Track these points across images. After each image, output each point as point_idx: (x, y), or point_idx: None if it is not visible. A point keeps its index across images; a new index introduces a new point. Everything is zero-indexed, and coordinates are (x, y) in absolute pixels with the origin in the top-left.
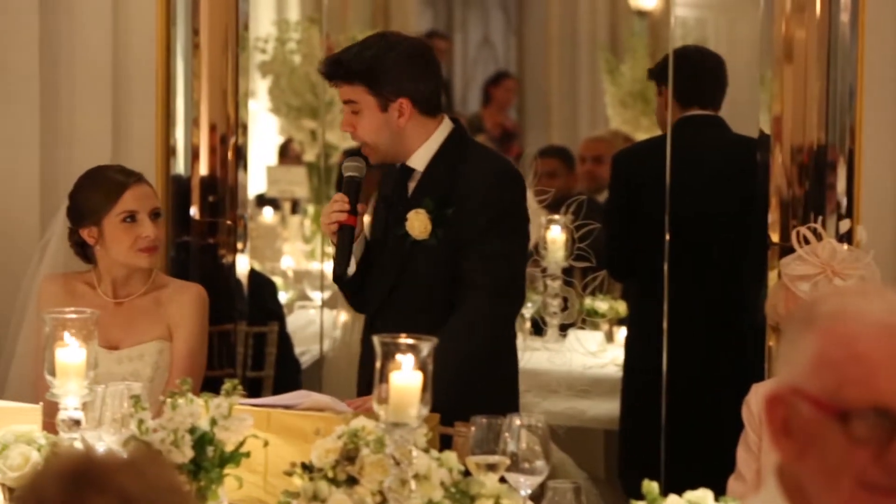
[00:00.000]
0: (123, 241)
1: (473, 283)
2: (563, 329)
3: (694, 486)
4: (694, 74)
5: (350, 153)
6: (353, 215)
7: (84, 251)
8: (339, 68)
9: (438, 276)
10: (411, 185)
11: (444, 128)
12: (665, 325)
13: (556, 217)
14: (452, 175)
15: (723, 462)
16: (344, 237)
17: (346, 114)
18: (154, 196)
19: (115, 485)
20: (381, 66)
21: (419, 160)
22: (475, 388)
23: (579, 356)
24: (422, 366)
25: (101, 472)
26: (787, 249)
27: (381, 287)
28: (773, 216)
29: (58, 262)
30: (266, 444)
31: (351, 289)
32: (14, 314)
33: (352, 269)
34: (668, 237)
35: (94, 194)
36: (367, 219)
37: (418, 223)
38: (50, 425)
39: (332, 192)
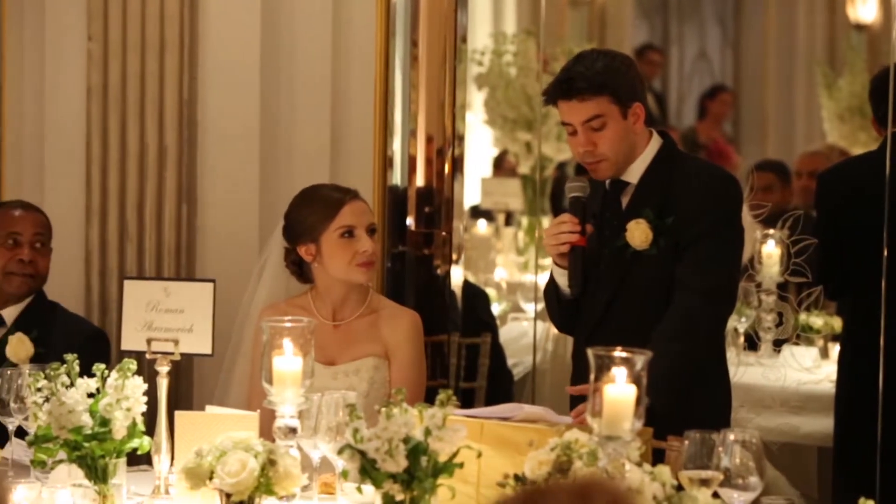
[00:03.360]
0: (341, 256)
1: (687, 284)
2: (778, 344)
3: None
4: None
5: (577, 171)
6: (582, 236)
7: (301, 270)
8: (582, 83)
9: (657, 287)
10: (624, 199)
11: (655, 141)
12: (882, 342)
13: (772, 231)
14: (669, 184)
15: None
16: (577, 258)
17: (584, 133)
18: (370, 212)
19: None
20: (617, 73)
21: (633, 173)
22: (688, 401)
23: (794, 372)
24: (636, 379)
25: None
26: None
27: (597, 302)
28: None
29: (276, 284)
30: (479, 455)
31: (570, 311)
32: (233, 332)
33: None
34: (885, 252)
35: (312, 211)
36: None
37: (639, 233)
38: (267, 432)
39: (547, 205)
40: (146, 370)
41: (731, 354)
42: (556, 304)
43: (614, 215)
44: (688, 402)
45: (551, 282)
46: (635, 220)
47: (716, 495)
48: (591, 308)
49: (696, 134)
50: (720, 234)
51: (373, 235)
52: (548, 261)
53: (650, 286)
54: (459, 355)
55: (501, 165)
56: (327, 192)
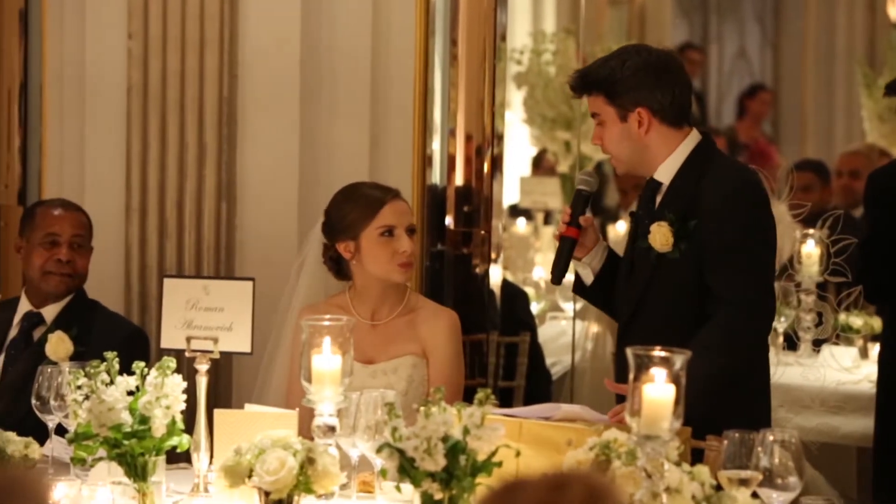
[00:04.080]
0: (381, 255)
1: (725, 297)
2: (817, 344)
3: None
4: None
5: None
6: (575, 227)
7: (339, 267)
8: (580, 80)
9: (684, 290)
10: (658, 199)
11: (691, 140)
12: None
13: (811, 231)
14: (695, 188)
15: None
16: (563, 247)
17: (594, 128)
18: (410, 212)
19: None
20: (617, 76)
21: (665, 173)
22: (728, 402)
23: (833, 372)
24: (675, 379)
25: None
26: None
27: (630, 299)
28: None
29: (314, 282)
30: (518, 454)
31: (591, 299)
32: (273, 330)
33: (588, 279)
34: None
35: (353, 209)
36: (621, 231)
37: (660, 236)
38: (306, 431)
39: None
40: (185, 368)
41: (771, 355)
42: (581, 294)
43: (647, 215)
44: (728, 403)
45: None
46: (658, 222)
47: (755, 495)
48: (626, 303)
49: (735, 133)
50: (750, 245)
51: (412, 236)
52: None
53: (674, 289)
54: (498, 354)
55: (540, 164)
56: (369, 191)
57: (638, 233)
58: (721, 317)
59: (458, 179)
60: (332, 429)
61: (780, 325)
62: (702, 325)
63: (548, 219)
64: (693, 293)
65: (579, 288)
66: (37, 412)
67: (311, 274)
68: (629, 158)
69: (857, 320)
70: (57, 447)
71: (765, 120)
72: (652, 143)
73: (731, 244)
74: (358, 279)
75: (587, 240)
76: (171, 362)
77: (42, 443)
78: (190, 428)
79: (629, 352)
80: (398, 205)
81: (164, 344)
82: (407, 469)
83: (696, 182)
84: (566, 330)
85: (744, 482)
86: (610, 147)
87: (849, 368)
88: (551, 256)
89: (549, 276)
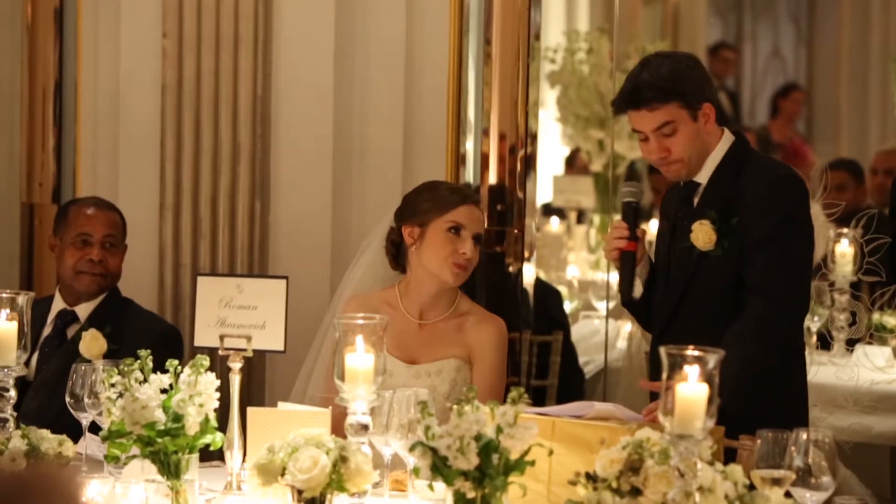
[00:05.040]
0: (441, 249)
1: (758, 289)
2: (851, 344)
3: None
4: None
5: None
6: (633, 241)
7: (397, 253)
8: (649, 92)
9: (724, 288)
10: (696, 200)
11: (726, 140)
12: None
13: (845, 230)
14: (734, 185)
15: None
16: (626, 263)
17: (656, 140)
18: (481, 222)
19: None
20: (684, 77)
21: (703, 174)
22: (765, 399)
23: (866, 371)
24: (708, 378)
25: None
26: None
27: (667, 303)
28: None
29: (370, 271)
30: (551, 452)
31: (638, 312)
32: (324, 321)
33: (638, 291)
34: None
35: (431, 198)
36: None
37: (703, 234)
38: (339, 429)
39: (619, 204)
40: (219, 366)
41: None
42: (627, 306)
43: (686, 215)
44: (762, 404)
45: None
46: (699, 220)
47: (788, 495)
48: (662, 308)
49: (768, 133)
50: (787, 237)
51: (477, 244)
52: None
53: (716, 288)
54: (531, 353)
55: (574, 163)
56: (452, 187)
57: (675, 235)
58: (755, 307)
59: (492, 178)
60: (365, 427)
61: (814, 324)
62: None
63: (581, 218)
64: (734, 291)
65: (627, 302)
66: (71, 410)
67: (368, 263)
68: (695, 160)
69: (890, 320)
70: (90, 445)
71: (798, 119)
72: (710, 141)
73: (769, 236)
74: (412, 271)
75: (638, 251)
76: (205, 360)
77: (76, 440)
78: (223, 426)
79: (662, 351)
80: (474, 210)
81: (198, 342)
82: (440, 468)
83: (734, 180)
84: (599, 329)
85: (777, 482)
86: (681, 153)
87: (882, 368)
88: (584, 255)
89: (583, 276)
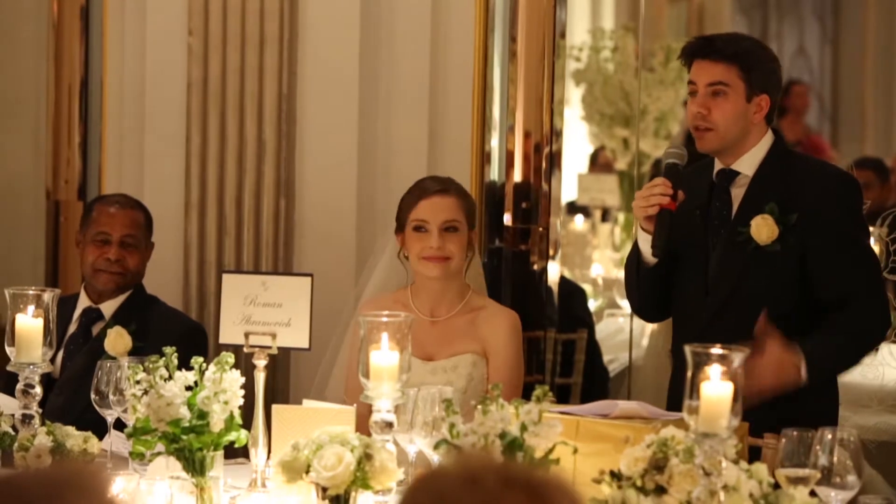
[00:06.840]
0: (412, 249)
1: (853, 290)
2: None
3: None
4: None
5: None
6: (673, 201)
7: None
8: (721, 44)
9: (778, 285)
10: (735, 191)
11: (769, 137)
12: None
13: (871, 229)
14: (788, 181)
15: None
16: (664, 220)
17: (703, 96)
18: (451, 209)
19: None
20: (758, 56)
21: (747, 164)
22: (796, 400)
23: (892, 370)
24: (732, 376)
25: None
26: None
27: (711, 301)
28: None
29: (386, 276)
30: (575, 451)
31: (649, 282)
32: (342, 324)
33: (652, 260)
34: None
35: (403, 201)
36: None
37: (766, 229)
38: (363, 427)
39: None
40: (244, 364)
41: None
42: (636, 277)
43: (724, 206)
44: (796, 402)
45: (634, 252)
46: (761, 215)
47: (813, 494)
48: (700, 308)
49: (781, 132)
50: (860, 232)
51: (451, 233)
52: None
53: (770, 284)
54: (555, 351)
55: (598, 161)
56: (422, 184)
57: (713, 224)
58: (856, 308)
59: (517, 176)
60: (389, 425)
61: None
62: (801, 320)
63: (605, 216)
64: (785, 290)
65: (632, 267)
66: (96, 407)
67: (384, 269)
68: (732, 138)
69: None
70: (115, 442)
71: (807, 113)
72: (753, 132)
73: (847, 235)
74: (413, 273)
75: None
76: (230, 358)
77: (101, 437)
78: (248, 423)
79: (687, 349)
80: (436, 200)
81: (223, 339)
82: None
83: (785, 175)
84: (623, 327)
85: (802, 480)
86: (720, 119)
87: None
88: (609, 253)
89: (608, 274)
